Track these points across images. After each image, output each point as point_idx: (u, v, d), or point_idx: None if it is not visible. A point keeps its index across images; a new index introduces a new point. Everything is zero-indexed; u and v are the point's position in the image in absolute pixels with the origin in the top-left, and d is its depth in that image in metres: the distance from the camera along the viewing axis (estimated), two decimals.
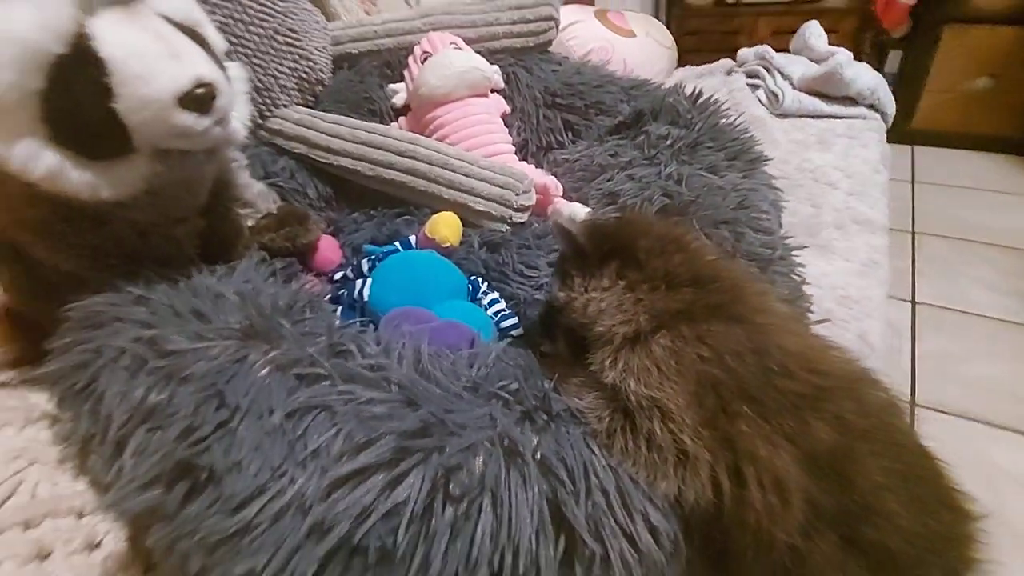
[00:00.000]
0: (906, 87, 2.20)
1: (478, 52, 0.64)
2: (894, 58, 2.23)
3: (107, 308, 0.37)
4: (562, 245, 0.37)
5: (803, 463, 0.29)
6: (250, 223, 0.48)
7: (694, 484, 0.31)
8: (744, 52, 1.14)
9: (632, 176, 0.49)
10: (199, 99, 0.31)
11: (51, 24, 0.29)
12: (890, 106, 0.97)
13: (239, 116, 0.38)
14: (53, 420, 0.36)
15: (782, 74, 1.02)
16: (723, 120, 0.56)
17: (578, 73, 0.65)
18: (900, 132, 2.18)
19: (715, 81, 1.16)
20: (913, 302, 1.34)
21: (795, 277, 0.44)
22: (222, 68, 0.36)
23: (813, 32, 1.02)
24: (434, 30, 0.64)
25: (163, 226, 0.42)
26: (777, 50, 1.15)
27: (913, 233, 1.55)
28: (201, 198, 0.44)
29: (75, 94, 0.31)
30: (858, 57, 2.45)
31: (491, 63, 0.64)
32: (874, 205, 0.78)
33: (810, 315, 0.45)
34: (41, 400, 0.39)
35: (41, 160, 0.31)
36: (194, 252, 0.44)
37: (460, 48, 0.62)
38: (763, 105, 1.02)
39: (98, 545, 0.34)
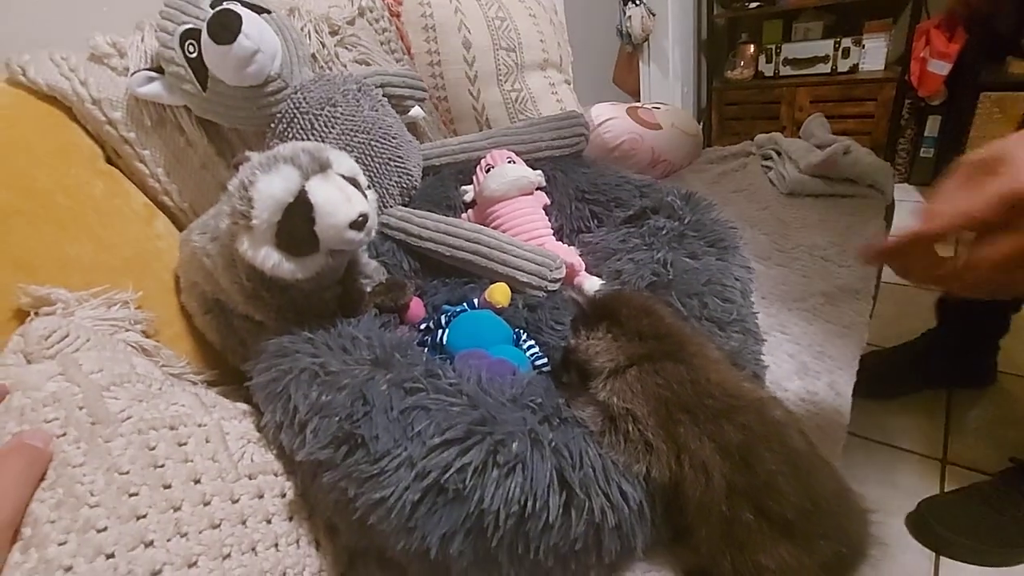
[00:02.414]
0: (946, 149, 2.25)
1: (527, 161, 0.86)
2: (933, 122, 2.30)
3: (289, 344, 0.57)
4: (574, 310, 0.56)
5: (720, 453, 0.43)
6: (368, 289, 0.70)
7: (657, 466, 0.46)
8: (760, 137, 1.30)
9: (633, 259, 0.66)
10: (360, 224, 0.52)
11: (290, 187, 0.51)
12: (889, 186, 1.09)
13: (374, 224, 0.61)
14: (256, 415, 0.58)
15: (790, 158, 1.17)
16: (708, 213, 0.73)
17: (602, 175, 0.84)
18: None
19: (736, 163, 1.32)
20: None
21: (748, 332, 0.59)
22: (366, 196, 0.59)
23: (817, 123, 1.17)
24: (495, 147, 0.86)
25: (318, 291, 0.62)
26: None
27: None
28: (340, 273, 0.65)
29: (295, 222, 0.51)
30: (897, 122, 2.54)
31: (536, 168, 0.85)
32: (863, 276, 0.90)
33: (760, 357, 0.60)
34: (244, 405, 0.61)
35: (271, 259, 0.52)
36: (335, 308, 0.66)
37: (514, 161, 0.83)
38: (774, 185, 1.17)
39: (284, 495, 0.54)
